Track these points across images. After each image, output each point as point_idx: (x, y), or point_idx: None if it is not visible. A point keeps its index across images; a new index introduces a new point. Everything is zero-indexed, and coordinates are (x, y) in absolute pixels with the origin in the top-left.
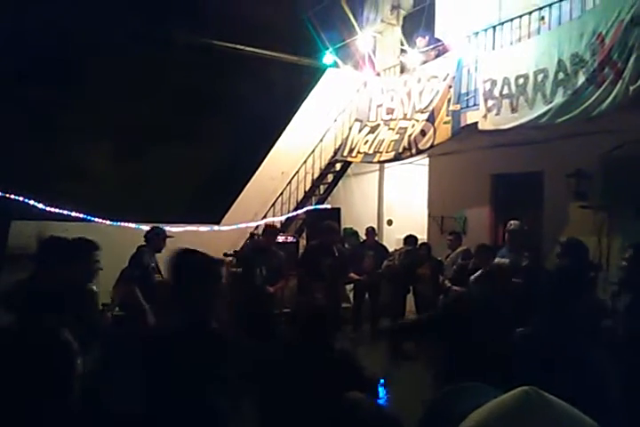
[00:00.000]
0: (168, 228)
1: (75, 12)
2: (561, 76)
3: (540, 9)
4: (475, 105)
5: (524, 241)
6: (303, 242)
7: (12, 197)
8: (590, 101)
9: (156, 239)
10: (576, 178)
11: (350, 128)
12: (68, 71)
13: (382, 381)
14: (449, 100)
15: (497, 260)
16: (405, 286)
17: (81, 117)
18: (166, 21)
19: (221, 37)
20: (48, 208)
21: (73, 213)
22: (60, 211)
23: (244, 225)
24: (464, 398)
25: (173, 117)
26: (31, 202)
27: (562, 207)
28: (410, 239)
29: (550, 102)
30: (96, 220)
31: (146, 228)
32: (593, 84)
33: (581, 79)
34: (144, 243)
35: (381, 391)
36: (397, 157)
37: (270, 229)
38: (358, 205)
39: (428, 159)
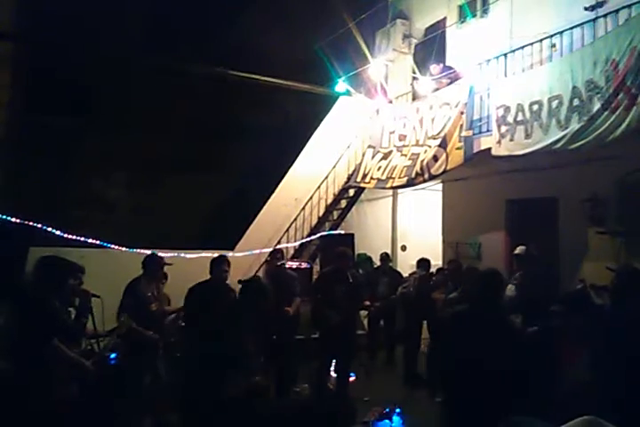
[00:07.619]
0: (183, 254)
1: (90, 42)
2: (576, 102)
3: (551, 36)
4: (488, 131)
5: (532, 266)
6: (317, 268)
7: (31, 223)
8: (605, 127)
9: (153, 267)
10: (591, 203)
11: (363, 154)
12: (86, 102)
13: (398, 409)
14: (461, 127)
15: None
16: (421, 311)
17: (98, 146)
18: (182, 51)
19: (236, 67)
20: (65, 235)
21: (90, 240)
22: (77, 237)
23: (257, 251)
24: None
25: (188, 146)
26: (49, 229)
27: (578, 233)
28: (422, 263)
29: (565, 128)
30: (112, 246)
31: (161, 254)
32: (607, 109)
33: (596, 105)
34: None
35: (397, 420)
36: (410, 183)
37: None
38: (372, 230)
39: (441, 185)
